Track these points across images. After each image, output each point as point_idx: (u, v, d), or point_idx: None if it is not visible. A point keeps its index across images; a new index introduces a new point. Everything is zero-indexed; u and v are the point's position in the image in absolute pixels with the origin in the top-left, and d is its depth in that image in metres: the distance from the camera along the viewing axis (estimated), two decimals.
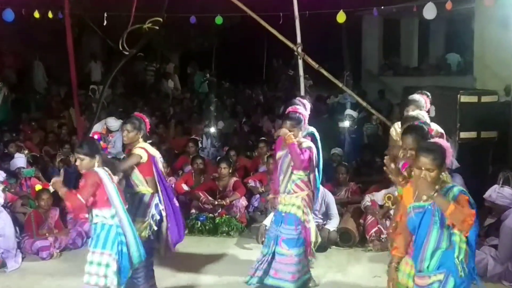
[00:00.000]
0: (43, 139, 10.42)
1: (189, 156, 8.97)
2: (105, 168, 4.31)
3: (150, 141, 9.54)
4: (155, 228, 5.05)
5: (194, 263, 6.33)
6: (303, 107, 5.48)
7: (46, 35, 14.46)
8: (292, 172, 5.16)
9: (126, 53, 8.29)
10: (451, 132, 7.17)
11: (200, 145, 9.96)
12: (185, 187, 8.11)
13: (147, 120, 5.21)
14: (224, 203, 7.64)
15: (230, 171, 7.93)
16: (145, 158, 5.01)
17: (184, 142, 9.81)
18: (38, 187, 7.11)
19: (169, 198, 5.16)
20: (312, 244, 5.23)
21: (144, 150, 5.04)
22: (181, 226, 5.22)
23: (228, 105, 14.96)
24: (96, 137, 4.52)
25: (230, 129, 11.99)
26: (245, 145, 10.40)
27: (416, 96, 5.61)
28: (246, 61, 18.88)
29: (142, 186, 5.06)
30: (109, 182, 4.23)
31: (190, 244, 6.98)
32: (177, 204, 5.24)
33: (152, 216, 5.03)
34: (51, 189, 6.59)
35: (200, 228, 7.39)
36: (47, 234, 6.62)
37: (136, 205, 5.02)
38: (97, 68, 16.28)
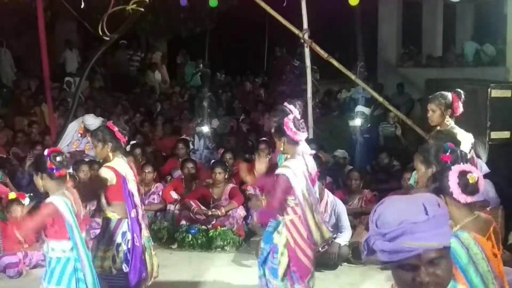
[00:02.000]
0: (10, 139, 10.43)
1: (179, 159, 8.98)
2: (66, 193, 4.29)
3: (134, 141, 9.65)
4: (121, 260, 4.97)
5: (185, 283, 6.34)
6: (297, 122, 5.02)
7: (14, 19, 14.45)
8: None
9: (107, 38, 8.30)
10: (480, 131, 7.18)
11: (191, 146, 9.98)
12: (174, 195, 8.12)
13: (115, 129, 5.04)
14: (219, 214, 7.65)
15: (226, 176, 7.95)
16: (113, 180, 4.93)
17: (173, 143, 9.83)
18: (12, 195, 7.08)
19: (137, 229, 5.05)
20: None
21: (111, 170, 4.94)
22: (137, 267, 5.06)
23: (224, 100, 14.97)
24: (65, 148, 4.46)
25: (226, 128, 12.00)
26: (243, 147, 10.41)
27: (444, 94, 5.42)
28: (244, 49, 18.87)
29: (108, 210, 5.02)
30: (68, 214, 4.21)
31: (180, 261, 7.00)
32: (137, 243, 5.03)
33: (117, 245, 4.96)
34: (27, 201, 6.62)
35: (191, 242, 7.40)
36: (15, 249, 6.63)
37: (102, 232, 5.04)
38: (73, 57, 16.28)
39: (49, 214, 4.20)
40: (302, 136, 4.89)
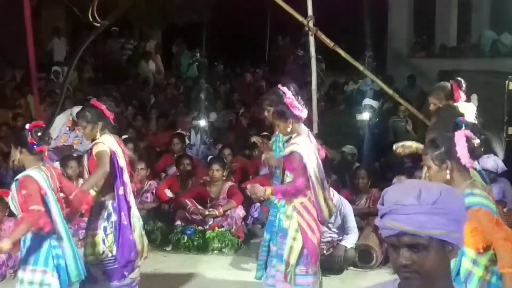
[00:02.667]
0: None
1: (174, 155, 8.98)
2: (42, 167, 4.41)
3: (126, 136, 9.65)
4: (112, 243, 5.04)
5: (180, 287, 6.34)
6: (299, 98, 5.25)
7: None
8: (286, 174, 5.16)
9: (97, 25, 8.28)
10: (497, 126, 7.18)
11: (187, 141, 9.98)
12: (168, 194, 8.12)
13: (103, 107, 5.15)
14: (217, 214, 7.65)
15: (224, 174, 7.95)
16: (108, 151, 5.03)
17: (168, 138, 9.84)
18: None
19: (124, 207, 5.12)
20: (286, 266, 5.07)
21: (102, 144, 5.03)
22: (126, 246, 5.13)
23: (222, 92, 14.97)
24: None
25: (225, 122, 12.00)
26: (243, 142, 10.42)
27: (442, 85, 5.47)
28: (244, 38, 18.87)
29: (93, 190, 5.08)
30: (46, 187, 4.34)
31: (175, 263, 7.01)
32: (125, 221, 5.11)
33: (104, 228, 5.05)
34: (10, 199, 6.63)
35: (187, 243, 7.41)
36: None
37: (88, 217, 5.13)
38: (60, 46, 16.28)
39: (35, 187, 4.28)
40: (305, 113, 5.13)
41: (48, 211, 4.32)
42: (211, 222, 7.66)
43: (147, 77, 16.39)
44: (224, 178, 7.96)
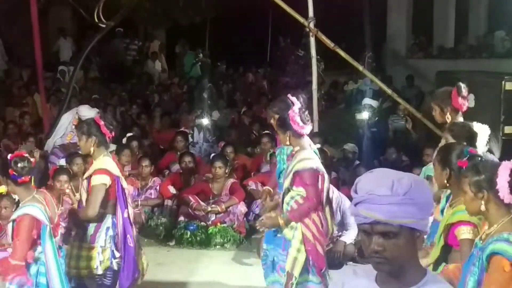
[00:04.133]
0: (1, 131, 10.45)
1: (177, 153, 9.00)
2: (36, 197, 4.27)
3: (131, 134, 9.66)
4: (108, 258, 4.95)
5: (182, 282, 6.37)
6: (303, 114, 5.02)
7: (6, 5, 14.46)
8: (291, 188, 4.95)
9: (102, 26, 8.31)
10: (494, 126, 7.17)
11: (190, 139, 9.99)
12: (172, 190, 8.14)
13: (101, 123, 4.99)
14: (219, 210, 7.67)
15: (227, 171, 7.96)
16: (108, 182, 4.90)
17: (171, 136, 9.84)
18: (2, 189, 7.10)
19: (130, 230, 5.03)
20: (286, 275, 4.92)
21: (105, 174, 4.89)
22: (131, 268, 5.05)
23: (225, 92, 14.97)
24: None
25: (227, 121, 12.01)
26: (245, 140, 10.42)
27: (441, 91, 5.41)
28: (246, 39, 18.86)
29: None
30: (44, 218, 4.19)
31: (178, 258, 7.02)
32: (131, 244, 5.02)
33: (103, 242, 4.94)
34: (2, 189, 6.62)
35: (189, 239, 7.42)
36: (6, 245, 6.65)
37: (83, 230, 4.97)
38: (67, 45, 16.29)
39: (31, 226, 4.16)
40: (307, 129, 4.89)
41: (43, 241, 4.22)
42: (213, 218, 7.68)
43: (151, 76, 16.40)
44: (226, 175, 7.97)
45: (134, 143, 8.98)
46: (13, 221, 4.24)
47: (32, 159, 4.37)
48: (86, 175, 5.09)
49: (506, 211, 3.18)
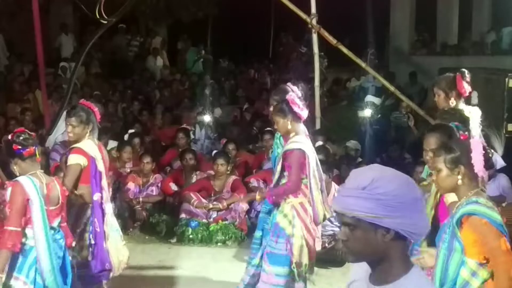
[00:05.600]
0: (2, 127, 10.45)
1: (179, 150, 9.00)
2: (38, 173, 4.29)
3: (132, 130, 9.66)
4: (86, 248, 4.95)
5: (184, 278, 6.37)
6: (301, 98, 5.23)
7: (7, 1, 14.46)
8: (283, 173, 5.07)
9: (104, 22, 8.30)
10: (497, 123, 7.17)
11: (192, 136, 9.99)
12: (173, 187, 8.14)
13: (96, 109, 5.07)
14: (221, 207, 7.67)
15: (228, 168, 7.96)
16: (84, 162, 4.92)
17: (173, 132, 9.85)
18: None
19: (99, 214, 5.00)
20: (296, 265, 5.02)
21: (80, 153, 4.93)
22: (99, 255, 5.00)
23: (227, 88, 14.96)
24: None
25: (229, 118, 12.01)
26: (247, 137, 10.42)
27: (446, 76, 5.43)
28: (249, 35, 18.85)
29: (73, 194, 4.93)
30: (35, 194, 4.20)
31: (179, 256, 7.03)
32: (98, 229, 4.98)
33: (80, 232, 4.95)
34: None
35: (191, 236, 7.43)
36: None
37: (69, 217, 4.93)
38: (68, 41, 16.29)
39: (22, 193, 4.18)
40: (305, 113, 5.05)
41: (33, 221, 4.21)
42: (215, 215, 7.68)
43: (153, 72, 16.40)
44: (228, 172, 7.98)
45: (136, 140, 8.99)
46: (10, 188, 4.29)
47: (32, 133, 4.41)
48: (64, 152, 5.14)
49: (476, 184, 3.35)
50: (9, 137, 4.34)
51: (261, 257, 5.16)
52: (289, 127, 5.01)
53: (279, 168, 5.10)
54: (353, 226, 1.99)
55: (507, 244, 3.18)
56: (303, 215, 5.04)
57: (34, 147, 4.31)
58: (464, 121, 4.52)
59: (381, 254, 2.00)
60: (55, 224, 4.41)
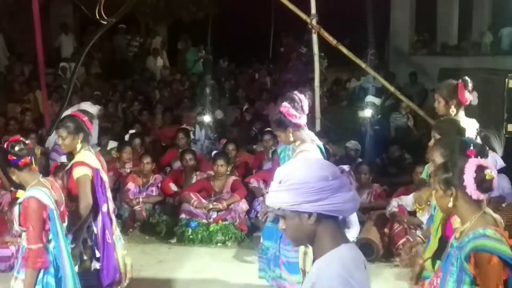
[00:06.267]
0: (2, 127, 10.46)
1: (179, 150, 9.00)
2: (42, 181, 4.25)
3: (132, 131, 9.65)
4: (89, 257, 4.90)
5: (184, 279, 6.37)
6: (296, 105, 5.15)
7: (7, 1, 14.46)
8: None
9: (104, 22, 8.30)
10: (497, 123, 7.18)
11: (192, 136, 9.99)
12: (173, 187, 8.14)
13: (85, 118, 4.98)
14: (221, 207, 7.67)
15: (228, 168, 7.96)
16: (90, 173, 4.85)
17: (173, 132, 9.85)
18: (20, 193, 7.11)
19: (109, 225, 4.95)
20: (301, 272, 5.03)
21: (84, 166, 4.86)
22: (111, 266, 4.96)
23: (227, 88, 14.96)
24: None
25: (229, 118, 12.01)
26: (247, 138, 10.43)
27: (448, 83, 5.43)
28: (249, 35, 18.85)
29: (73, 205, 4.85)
30: (49, 202, 4.15)
31: (179, 256, 7.03)
32: (109, 240, 4.95)
33: (84, 241, 4.90)
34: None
35: (191, 236, 7.43)
36: (9, 243, 6.67)
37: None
38: (68, 42, 16.29)
39: (39, 208, 4.12)
40: (304, 118, 5.03)
41: (52, 227, 4.18)
42: (215, 216, 7.68)
43: (153, 72, 16.41)
44: (228, 172, 7.98)
45: (136, 140, 9.00)
46: (20, 204, 4.19)
47: (27, 141, 4.33)
48: (66, 169, 5.01)
49: (476, 207, 3.18)
50: (5, 145, 4.26)
51: (277, 266, 5.13)
52: (291, 138, 5.02)
53: None
54: (282, 216, 2.24)
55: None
56: None
57: (29, 157, 4.23)
58: (460, 132, 4.51)
59: (312, 235, 2.23)
60: (64, 226, 4.41)
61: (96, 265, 4.88)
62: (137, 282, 5.71)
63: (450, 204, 3.19)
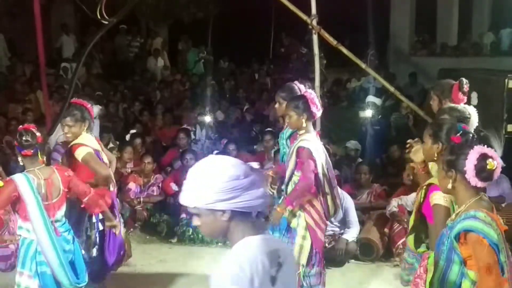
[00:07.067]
0: (4, 127, 10.47)
1: (180, 150, 9.01)
2: (36, 171, 4.33)
3: (133, 130, 9.65)
4: (93, 245, 4.98)
5: (185, 278, 6.38)
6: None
7: (8, 1, 14.48)
8: (295, 171, 5.07)
9: (105, 23, 8.30)
10: (496, 124, 7.18)
11: (192, 136, 10.00)
12: (174, 187, 8.14)
13: (89, 105, 5.11)
14: None
15: None
16: (92, 151, 4.95)
17: (174, 133, 9.86)
18: (0, 184, 7.14)
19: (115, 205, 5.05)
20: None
21: (84, 146, 4.94)
22: (116, 243, 5.07)
23: (228, 89, 14.97)
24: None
25: (230, 118, 12.01)
26: (248, 138, 10.42)
27: (443, 82, 5.43)
28: (249, 36, 18.85)
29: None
30: (29, 192, 4.24)
31: (179, 256, 7.03)
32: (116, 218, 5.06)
33: (86, 229, 4.97)
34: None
35: (191, 236, 7.44)
36: (7, 242, 6.66)
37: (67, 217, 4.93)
38: (69, 42, 16.31)
39: (9, 191, 4.25)
40: (320, 113, 5.08)
41: (31, 218, 4.27)
42: None
43: (153, 73, 16.42)
44: None
45: (137, 140, 9.00)
46: None
47: (37, 134, 4.40)
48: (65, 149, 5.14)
49: (473, 192, 3.27)
50: (18, 128, 4.41)
51: None
52: (303, 124, 4.97)
53: (291, 165, 5.04)
54: (197, 214, 2.32)
55: (497, 267, 3.12)
56: (312, 212, 5.03)
57: (32, 150, 4.31)
58: (464, 120, 4.50)
59: (225, 230, 2.34)
60: (58, 216, 4.43)
61: (96, 251, 4.99)
62: (138, 281, 5.72)
63: (449, 186, 3.29)
